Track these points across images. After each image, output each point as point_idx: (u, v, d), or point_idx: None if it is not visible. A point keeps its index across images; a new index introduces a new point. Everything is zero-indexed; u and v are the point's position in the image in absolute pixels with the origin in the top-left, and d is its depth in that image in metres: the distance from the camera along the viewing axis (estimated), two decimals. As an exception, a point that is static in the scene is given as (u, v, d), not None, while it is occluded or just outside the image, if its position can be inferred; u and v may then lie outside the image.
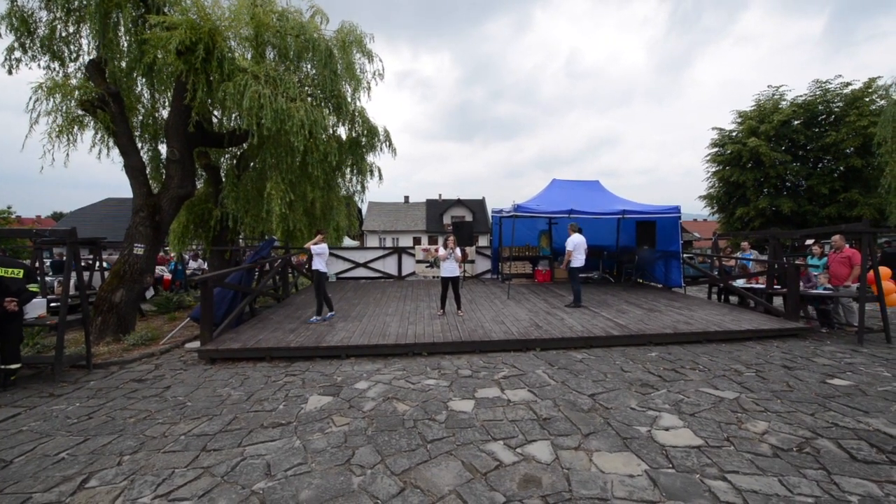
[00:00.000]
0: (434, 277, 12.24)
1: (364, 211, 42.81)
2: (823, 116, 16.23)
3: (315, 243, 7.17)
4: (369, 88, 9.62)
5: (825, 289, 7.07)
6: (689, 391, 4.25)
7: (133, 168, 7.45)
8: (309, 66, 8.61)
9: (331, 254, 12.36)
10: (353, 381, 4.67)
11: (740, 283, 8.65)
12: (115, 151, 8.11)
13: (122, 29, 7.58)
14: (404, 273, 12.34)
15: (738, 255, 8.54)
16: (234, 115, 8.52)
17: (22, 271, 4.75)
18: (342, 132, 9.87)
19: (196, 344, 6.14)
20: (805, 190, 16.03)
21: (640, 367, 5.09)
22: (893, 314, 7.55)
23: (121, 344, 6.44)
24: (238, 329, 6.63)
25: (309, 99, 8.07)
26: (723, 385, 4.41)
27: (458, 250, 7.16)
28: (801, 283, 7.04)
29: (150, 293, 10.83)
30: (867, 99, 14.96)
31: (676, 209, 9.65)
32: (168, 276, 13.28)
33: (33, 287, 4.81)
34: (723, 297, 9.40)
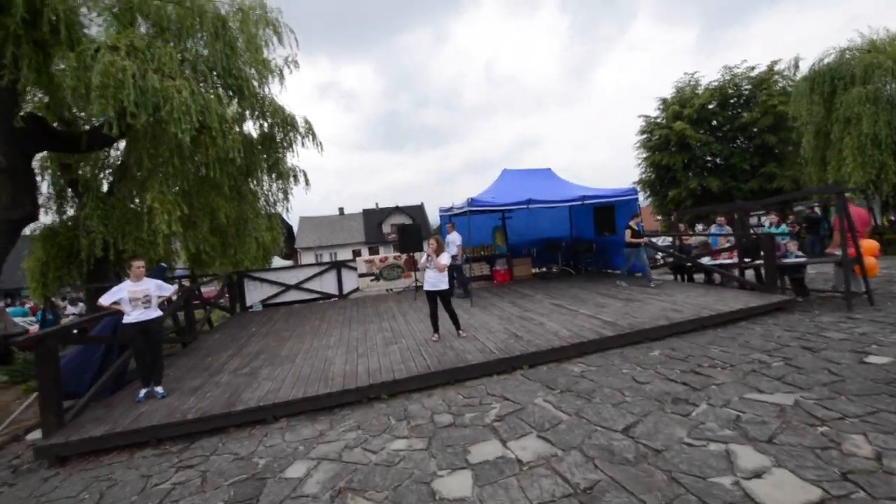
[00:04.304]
0: (389, 291, 10.73)
1: (295, 227, 39.61)
2: (735, 99, 17.38)
3: (139, 277, 4.50)
4: (282, 75, 8.00)
5: (796, 256, 6.80)
6: (733, 400, 3.31)
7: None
8: (200, 45, 6.78)
9: (255, 277, 10.35)
10: (283, 465, 3.13)
11: (706, 260, 8.30)
12: None
13: None
14: (346, 290, 10.65)
15: (714, 229, 8.24)
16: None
17: None
18: (252, 128, 8.11)
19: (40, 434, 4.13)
20: (728, 167, 16.96)
21: (653, 372, 4.13)
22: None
23: (-84, 448, 4.22)
24: (112, 400, 4.68)
25: (202, 83, 6.29)
26: (764, 385, 3.55)
27: (444, 256, 5.41)
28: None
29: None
30: (773, 80, 16.24)
31: (633, 191, 9.19)
32: (35, 328, 10.31)
33: None
34: (686, 276, 9.07)
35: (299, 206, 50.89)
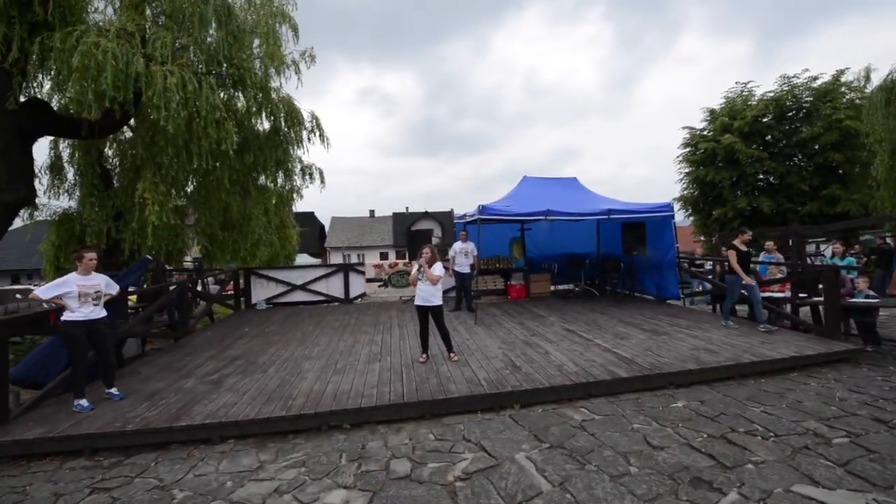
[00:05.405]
0: (400, 298, 10.24)
1: (327, 226, 40.31)
2: (793, 112, 15.69)
3: (89, 270, 4.12)
4: (297, 69, 7.73)
5: (866, 296, 5.66)
6: (775, 492, 2.48)
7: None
8: (207, 34, 6.60)
9: (261, 275, 10.15)
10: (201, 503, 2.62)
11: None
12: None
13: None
14: (353, 295, 10.24)
15: (763, 257, 7.13)
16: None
17: None
18: (262, 122, 7.88)
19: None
20: (783, 187, 15.25)
21: (672, 433, 3.32)
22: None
23: None
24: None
25: (211, 74, 6.04)
26: (820, 473, 2.67)
27: (437, 266, 4.86)
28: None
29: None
30: (839, 91, 14.52)
31: (668, 206, 8.19)
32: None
33: None
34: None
35: (335, 205, 51.96)
